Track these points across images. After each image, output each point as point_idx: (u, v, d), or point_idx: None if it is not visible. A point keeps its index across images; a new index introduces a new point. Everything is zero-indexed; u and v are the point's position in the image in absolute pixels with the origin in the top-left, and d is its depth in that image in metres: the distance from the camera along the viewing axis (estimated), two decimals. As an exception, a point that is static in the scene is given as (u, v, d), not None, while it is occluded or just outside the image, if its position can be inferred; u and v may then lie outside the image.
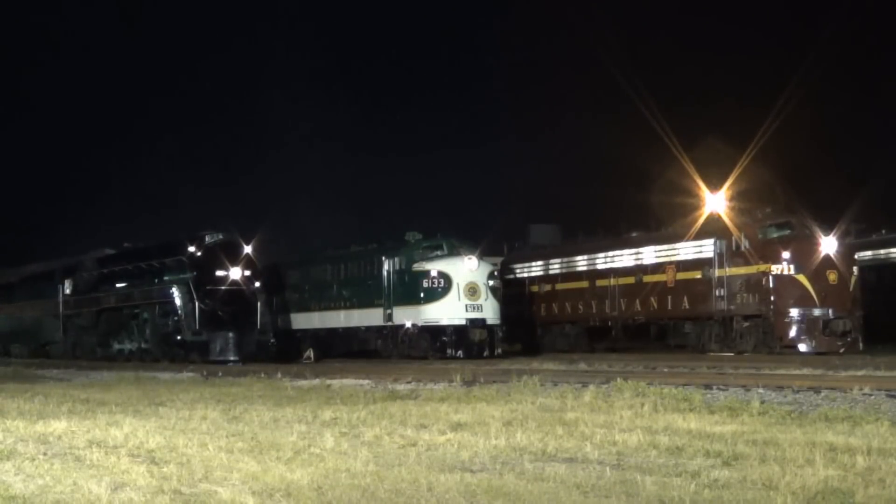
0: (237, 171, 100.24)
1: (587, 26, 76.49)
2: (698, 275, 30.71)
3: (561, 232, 44.51)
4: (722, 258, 29.89)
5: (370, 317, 33.27)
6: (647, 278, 32.92)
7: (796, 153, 50.36)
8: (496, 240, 41.14)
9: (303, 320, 37.04)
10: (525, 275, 39.25)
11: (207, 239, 32.35)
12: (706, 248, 30.54)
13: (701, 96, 79.02)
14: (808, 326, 28.27)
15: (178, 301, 31.23)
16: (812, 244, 28.78)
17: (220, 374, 22.07)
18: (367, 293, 33.48)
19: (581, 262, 36.57)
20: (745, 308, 29.27)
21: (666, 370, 19.88)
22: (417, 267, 31.59)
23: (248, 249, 32.28)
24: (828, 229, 29.15)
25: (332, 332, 35.65)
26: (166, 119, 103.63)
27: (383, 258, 32.83)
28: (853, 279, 29.13)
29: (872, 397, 11.93)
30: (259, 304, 32.03)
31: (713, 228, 30.59)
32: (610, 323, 34.74)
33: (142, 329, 33.51)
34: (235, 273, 31.82)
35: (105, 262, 37.08)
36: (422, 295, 31.17)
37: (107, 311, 35.58)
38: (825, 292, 28.36)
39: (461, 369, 17.92)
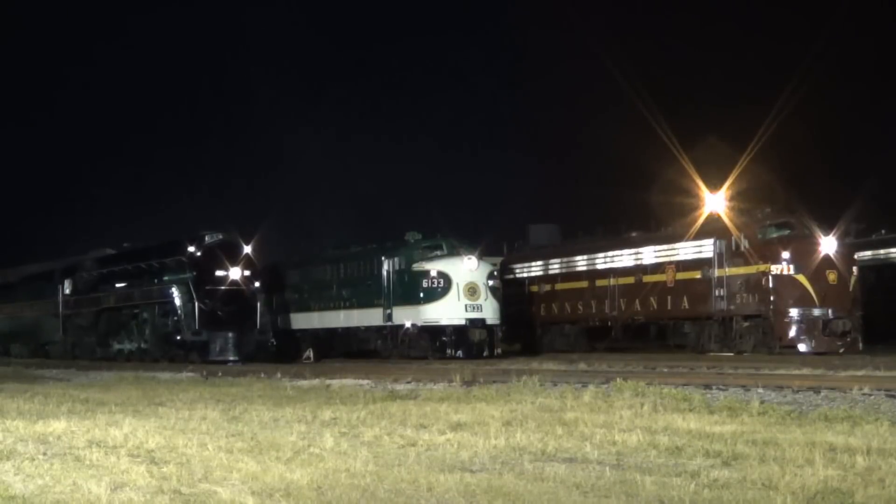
0: (237, 171, 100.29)
1: (587, 26, 76.50)
2: (698, 275, 30.70)
3: (561, 232, 44.48)
4: (721, 258, 29.87)
5: (370, 317, 33.26)
6: (647, 278, 32.91)
7: (796, 153, 50.37)
8: (496, 240, 41.20)
9: (302, 320, 37.03)
10: (525, 275, 39.23)
11: (207, 239, 32.34)
12: (706, 248, 30.53)
13: (701, 96, 79.02)
14: (808, 326, 28.25)
15: (177, 301, 31.22)
16: (812, 244, 28.77)
17: (219, 374, 22.06)
18: (366, 293, 33.47)
19: (581, 262, 36.56)
20: (744, 308, 29.25)
21: (666, 370, 19.87)
22: (417, 267, 31.58)
23: (247, 249, 32.27)
24: (828, 229, 29.13)
25: (332, 332, 35.64)
26: (166, 119, 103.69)
27: (383, 258, 32.83)
28: (853, 279, 29.11)
29: (872, 397, 11.92)
30: (259, 304, 32.02)
31: (713, 228, 30.58)
32: (610, 323, 34.72)
33: (141, 329, 33.49)
34: (235, 273, 31.81)
35: (105, 262, 37.07)
36: (421, 295, 31.17)
37: (106, 311, 35.57)
38: (825, 292, 28.34)
39: (461, 369, 17.91)
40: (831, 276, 28.59)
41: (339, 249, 37.06)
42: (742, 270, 29.32)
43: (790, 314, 28.32)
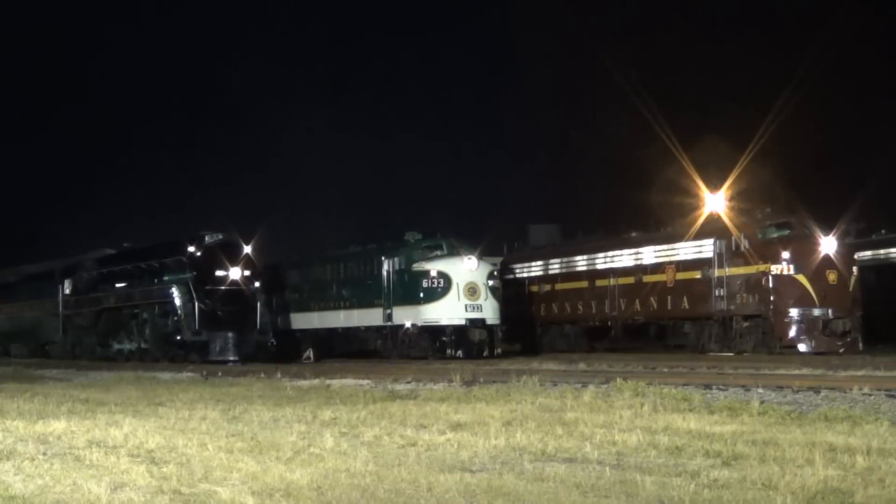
0: (237, 170, 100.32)
1: (587, 26, 76.52)
2: (698, 275, 30.70)
3: (561, 232, 44.51)
4: (721, 258, 29.88)
5: (370, 317, 33.26)
6: (647, 278, 32.92)
7: (796, 153, 50.38)
8: (496, 240, 41.15)
9: (302, 320, 37.02)
10: (525, 275, 39.24)
11: (207, 239, 32.33)
12: (706, 248, 30.54)
13: (701, 96, 79.06)
14: (808, 326, 28.26)
15: (177, 301, 31.22)
16: (812, 244, 28.77)
17: (219, 374, 22.07)
18: (366, 293, 33.47)
19: (581, 262, 36.57)
20: (744, 308, 29.26)
21: (666, 370, 19.87)
22: (417, 267, 31.57)
23: (247, 249, 32.26)
24: (828, 229, 29.14)
25: (332, 332, 35.64)
26: (166, 119, 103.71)
27: (383, 258, 32.83)
28: (853, 279, 29.12)
29: (872, 397, 11.92)
30: (259, 304, 32.01)
31: (713, 228, 30.58)
32: (610, 323, 34.73)
33: (141, 329, 33.49)
34: (235, 273, 31.81)
35: (105, 262, 37.06)
36: (421, 295, 31.17)
37: (107, 311, 35.57)
38: (825, 292, 28.35)
39: (461, 369, 17.90)
40: (831, 276, 28.60)
41: (339, 249, 37.05)
42: (742, 270, 29.32)
43: (790, 314, 28.33)
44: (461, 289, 30.79)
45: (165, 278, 32.50)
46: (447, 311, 30.79)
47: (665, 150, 34.58)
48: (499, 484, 6.66)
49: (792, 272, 28.50)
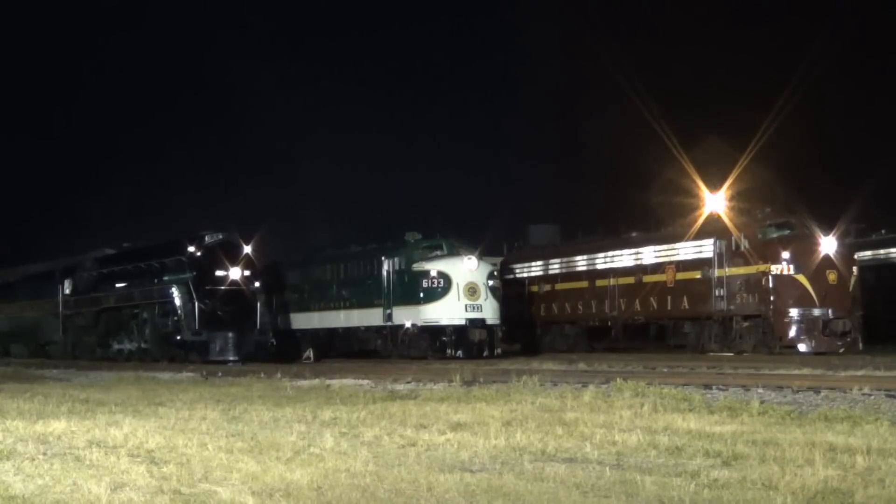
0: (237, 170, 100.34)
1: (587, 26, 76.51)
2: (698, 275, 30.70)
3: (560, 232, 44.50)
4: (721, 258, 29.88)
5: (370, 317, 33.27)
6: (647, 278, 32.92)
7: (796, 153, 50.38)
8: (496, 240, 41.17)
9: (303, 320, 37.03)
10: (525, 275, 39.24)
11: (207, 239, 32.32)
12: (706, 248, 30.54)
13: (701, 96, 79.09)
14: (808, 326, 28.26)
15: (177, 301, 31.20)
16: (812, 244, 28.77)
17: (219, 374, 22.06)
18: (366, 293, 33.48)
19: (581, 262, 36.57)
20: (744, 308, 29.26)
21: (666, 370, 19.87)
22: (417, 267, 31.58)
23: (247, 249, 32.24)
24: (828, 229, 29.14)
25: (332, 332, 35.64)
26: (166, 119, 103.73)
27: (383, 258, 32.83)
28: (853, 279, 29.12)
29: (872, 397, 11.92)
30: (259, 304, 32.00)
31: (713, 228, 30.59)
32: (610, 323, 34.73)
33: (141, 329, 33.48)
34: (235, 273, 31.80)
35: (105, 262, 37.06)
36: (421, 295, 31.17)
37: (107, 311, 35.56)
38: (825, 292, 28.35)
39: (461, 369, 17.90)
40: (831, 276, 28.60)
41: (339, 249, 37.05)
42: (742, 270, 29.32)
43: (790, 314, 28.33)
44: (461, 289, 30.80)
45: (165, 278, 32.49)
46: (447, 311, 30.79)
47: (665, 150, 34.60)
48: (499, 484, 6.66)
49: (792, 272, 28.50)
